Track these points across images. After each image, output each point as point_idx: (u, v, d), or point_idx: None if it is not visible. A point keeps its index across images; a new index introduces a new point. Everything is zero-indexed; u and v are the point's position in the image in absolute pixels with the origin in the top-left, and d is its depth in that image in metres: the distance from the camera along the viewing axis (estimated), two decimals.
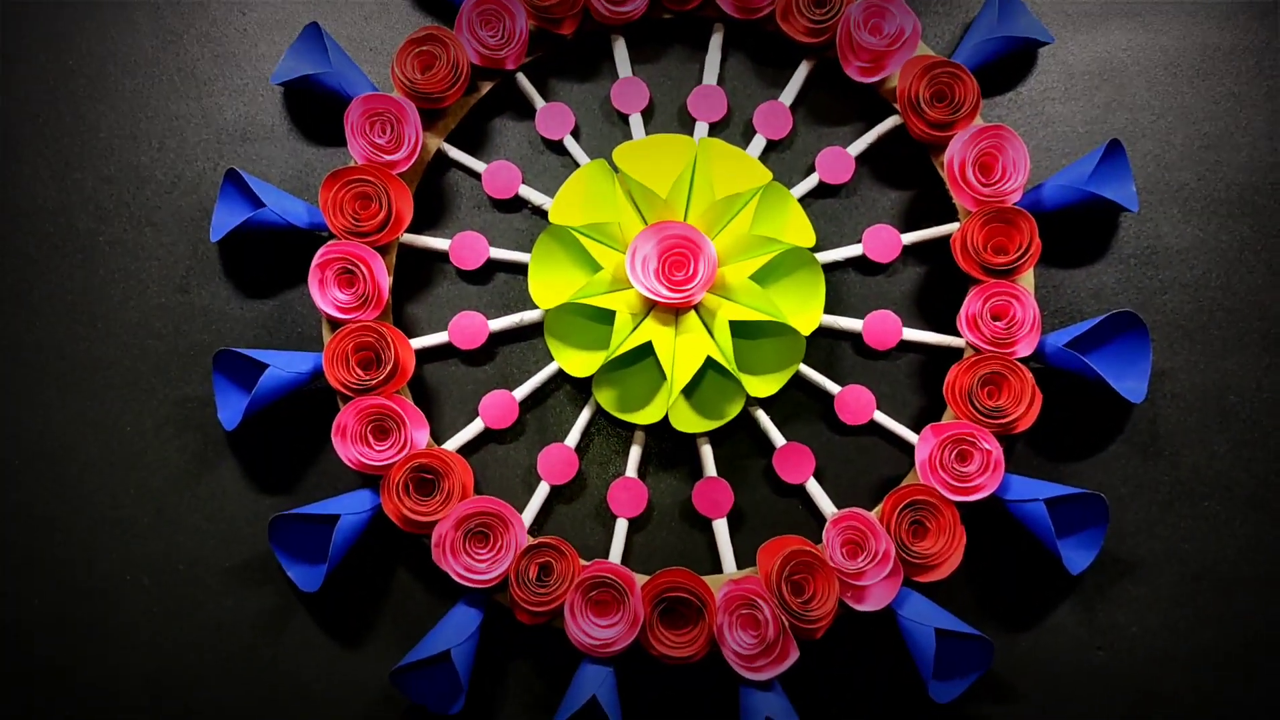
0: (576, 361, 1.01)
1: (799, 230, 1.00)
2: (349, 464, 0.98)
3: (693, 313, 1.00)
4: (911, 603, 0.99)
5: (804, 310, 1.00)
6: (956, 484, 0.98)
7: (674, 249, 0.97)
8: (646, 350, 1.00)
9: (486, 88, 1.06)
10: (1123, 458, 1.04)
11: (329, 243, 1.01)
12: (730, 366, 0.97)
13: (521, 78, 1.07)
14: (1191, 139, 1.07)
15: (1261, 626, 1.02)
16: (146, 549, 1.04)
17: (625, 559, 1.02)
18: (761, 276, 0.99)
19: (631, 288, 0.98)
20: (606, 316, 1.00)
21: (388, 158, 1.02)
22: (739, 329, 1.00)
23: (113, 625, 1.04)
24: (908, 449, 1.03)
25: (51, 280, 1.06)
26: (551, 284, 1.01)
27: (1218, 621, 1.02)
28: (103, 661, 1.03)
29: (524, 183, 1.06)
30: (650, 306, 1.00)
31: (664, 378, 0.99)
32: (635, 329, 0.99)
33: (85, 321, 1.06)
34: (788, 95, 1.07)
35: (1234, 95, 1.07)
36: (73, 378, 1.06)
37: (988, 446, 0.98)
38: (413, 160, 1.02)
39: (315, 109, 1.08)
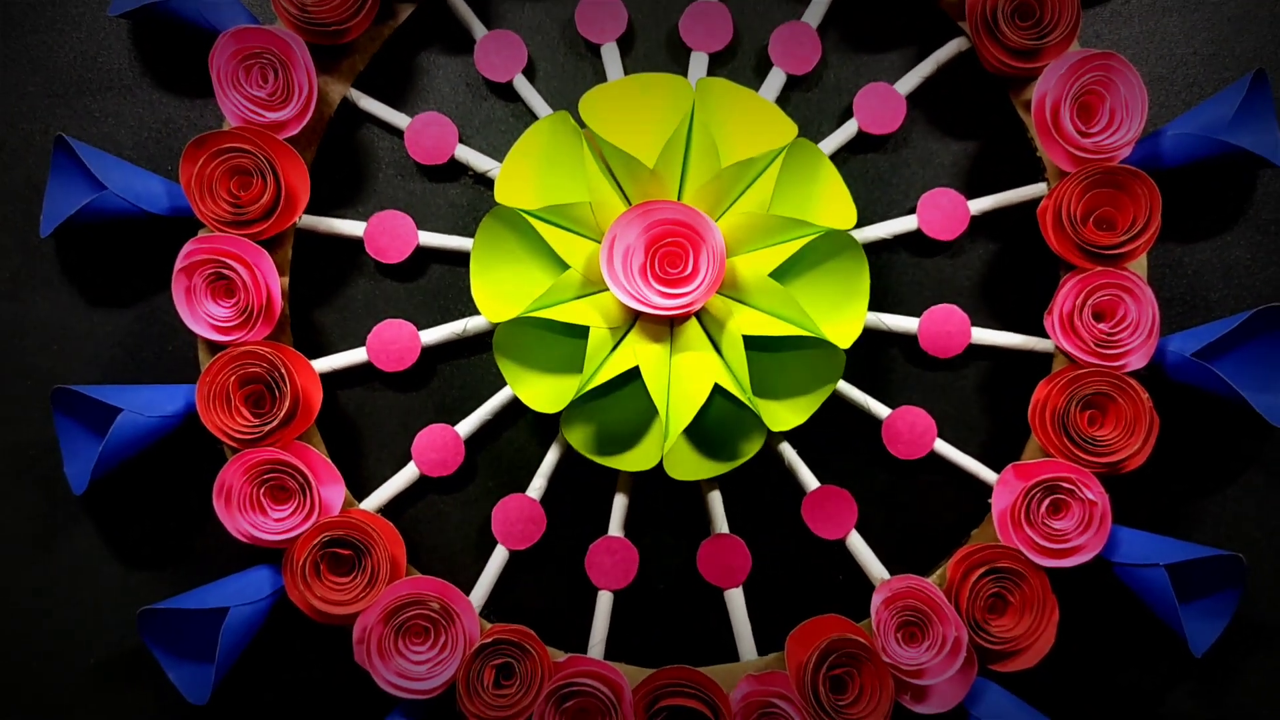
0: (539, 392, 0.75)
1: (834, 205, 0.75)
2: (238, 538, 0.74)
3: (694, 322, 0.75)
4: (989, 699, 0.76)
5: (842, 314, 0.75)
6: (1048, 545, 0.74)
7: (666, 239, 0.72)
8: (633, 374, 0.75)
9: (406, 12, 0.81)
10: (1259, 492, 0.81)
11: (196, 238, 0.75)
12: (745, 396, 0.73)
13: None
14: None
15: None
16: None
17: (610, 649, 0.79)
18: (785, 269, 0.74)
19: (610, 292, 0.72)
20: (578, 329, 0.74)
21: (272, 116, 0.75)
22: (755, 340, 0.74)
23: None
24: (980, 490, 0.79)
25: None
26: (502, 287, 0.75)
27: None
28: None
29: (461, 141, 0.81)
30: (636, 316, 0.75)
31: (656, 411, 0.74)
32: (616, 347, 0.74)
33: None
34: (814, 13, 0.81)
35: None
36: None
37: (1091, 496, 0.74)
38: (307, 117, 0.76)
39: (175, 47, 0.81)
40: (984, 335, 0.80)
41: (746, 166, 0.74)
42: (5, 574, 0.81)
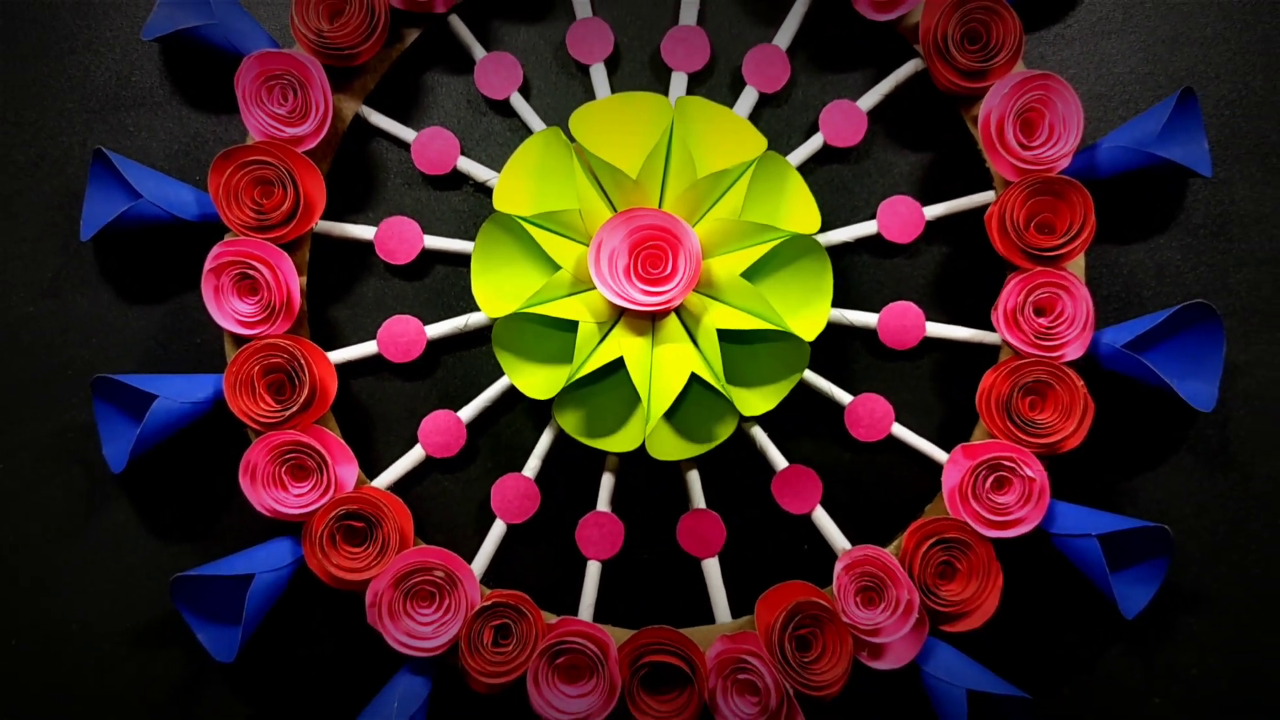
0: (534, 380, 0.83)
1: (800, 212, 0.82)
2: (262, 512, 0.82)
3: (673, 317, 0.82)
4: (939, 657, 0.83)
5: (807, 310, 0.82)
6: (993, 518, 0.82)
7: (648, 242, 0.79)
8: (618, 364, 0.82)
9: (412, 36, 0.87)
10: (1185, 472, 0.88)
11: (223, 241, 0.82)
12: (719, 385, 0.80)
13: (456, 21, 0.87)
14: (1275, 80, 0.88)
15: None
16: (26, 609, 0.88)
17: (598, 613, 0.86)
18: (756, 269, 0.81)
19: (598, 290, 0.80)
20: (568, 324, 0.82)
21: (292, 131, 0.83)
22: (729, 333, 0.82)
23: None
24: (933, 469, 0.87)
25: None
26: (500, 287, 0.82)
27: None
28: None
29: (463, 153, 0.88)
30: (621, 312, 0.82)
31: (640, 397, 0.82)
32: (603, 340, 0.82)
33: None
34: (784, 37, 0.88)
35: None
36: None
37: (1031, 474, 0.81)
38: (323, 133, 0.83)
39: (202, 68, 0.89)
40: (937, 329, 0.87)
41: (721, 177, 0.81)
42: (50, 546, 0.88)
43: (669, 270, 0.79)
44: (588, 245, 0.80)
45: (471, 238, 0.86)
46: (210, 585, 0.83)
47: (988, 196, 0.86)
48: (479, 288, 0.82)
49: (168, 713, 0.88)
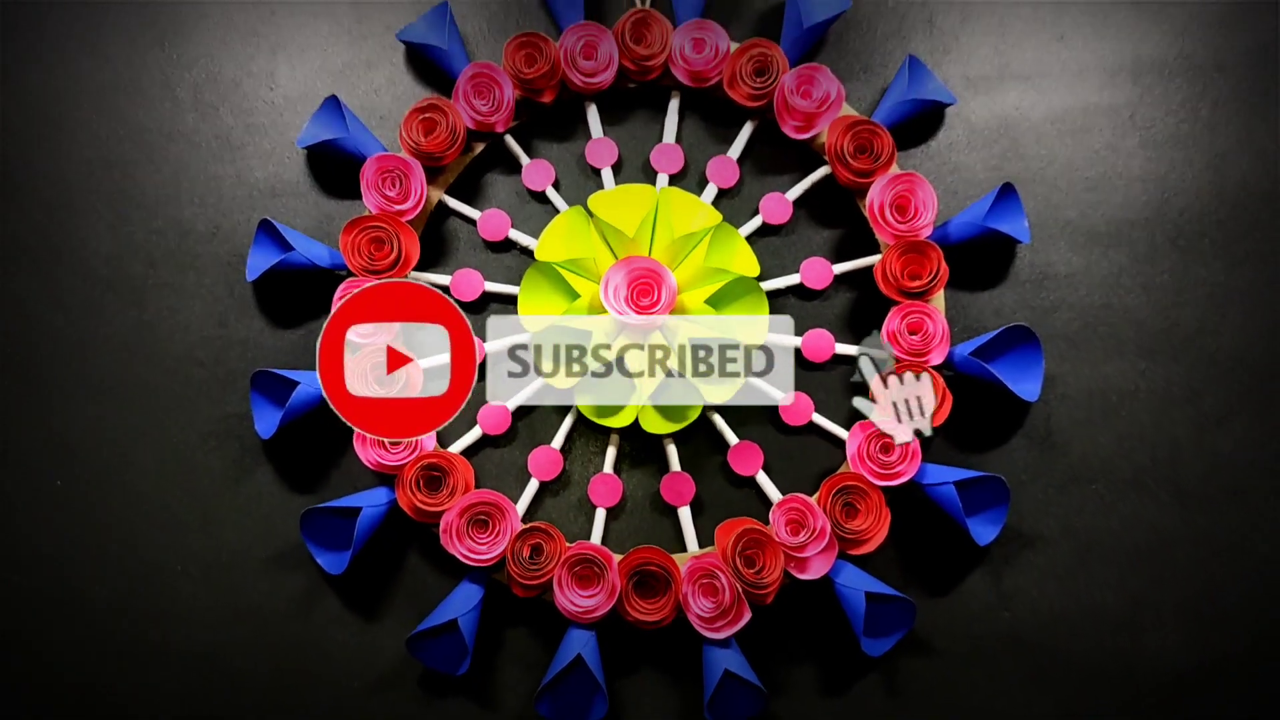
0: (559, 376, 1.19)
1: (746, 262, 1.19)
2: (368, 465, 1.16)
3: (657, 333, 1.19)
4: (846, 572, 1.16)
5: (750, 329, 1.19)
6: (881, 471, 1.17)
7: (640, 279, 1.15)
8: (619, 363, 1.19)
9: (480, 148, 1.25)
10: (1022, 449, 1.22)
11: (348, 280, 1.19)
12: (691, 379, 1.16)
13: (509, 139, 1.26)
14: (1075, 183, 1.26)
15: (1142, 588, 1.21)
16: (194, 544, 1.23)
17: (604, 541, 1.20)
18: (714, 301, 1.18)
19: (605, 312, 1.17)
20: (585, 335, 1.18)
21: (397, 207, 1.20)
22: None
23: (166, 609, 1.22)
24: (841, 444, 1.21)
25: (109, 318, 1.24)
26: (538, 309, 1.19)
27: (1104, 586, 1.21)
28: (158, 638, 1.21)
29: (513, 227, 1.25)
30: (621, 328, 1.19)
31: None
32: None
33: (139, 353, 1.24)
34: (735, 150, 1.26)
35: (1110, 146, 1.26)
36: (129, 400, 1.24)
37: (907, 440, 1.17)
38: (418, 209, 1.21)
39: (334, 168, 1.27)
40: (844, 348, 1.22)
41: (690, 237, 1.19)
42: (213, 496, 1.23)
43: (655, 298, 1.15)
44: (599, 281, 1.17)
45: (518, 284, 1.22)
46: (329, 515, 1.17)
47: (876, 258, 1.23)
48: (524, 310, 1.19)
49: (295, 617, 1.21)
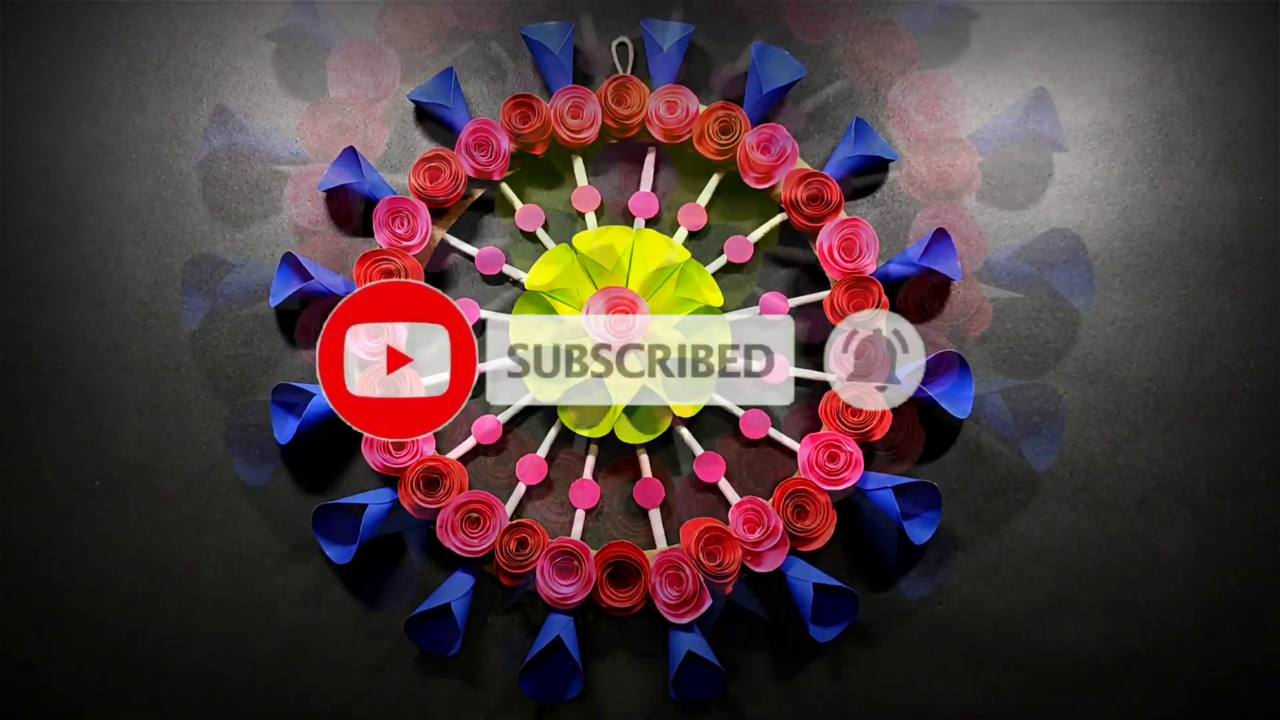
0: (546, 392, 1.35)
1: (711, 295, 1.36)
2: (375, 468, 1.32)
3: (632, 355, 1.35)
4: (796, 566, 1.31)
5: (714, 351, 1.35)
6: (828, 478, 1.32)
7: (617, 306, 1.32)
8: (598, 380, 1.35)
9: (479, 193, 1.43)
10: (955, 462, 1.38)
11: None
12: (661, 394, 1.32)
13: (505, 186, 1.43)
14: (1001, 230, 1.44)
15: (1060, 586, 1.35)
16: (216, 539, 1.37)
17: (582, 537, 1.35)
18: (683, 326, 1.34)
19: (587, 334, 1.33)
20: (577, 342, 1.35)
21: (405, 244, 1.37)
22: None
23: (191, 596, 1.36)
24: (794, 455, 1.37)
25: (148, 338, 1.40)
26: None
27: (1027, 583, 1.36)
28: (181, 625, 1.35)
29: (507, 263, 1.42)
30: (601, 347, 1.35)
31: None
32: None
33: (171, 367, 1.40)
34: (703, 198, 1.43)
35: (1032, 198, 1.44)
36: (160, 409, 1.39)
37: (850, 449, 1.32)
38: (424, 245, 1.38)
39: (348, 209, 1.44)
40: (797, 371, 1.39)
41: (663, 271, 1.36)
42: (232, 495, 1.37)
43: (631, 323, 1.32)
44: (582, 309, 1.33)
45: (511, 312, 1.39)
46: (338, 511, 1.31)
47: (825, 293, 1.40)
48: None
49: (305, 604, 1.35)
